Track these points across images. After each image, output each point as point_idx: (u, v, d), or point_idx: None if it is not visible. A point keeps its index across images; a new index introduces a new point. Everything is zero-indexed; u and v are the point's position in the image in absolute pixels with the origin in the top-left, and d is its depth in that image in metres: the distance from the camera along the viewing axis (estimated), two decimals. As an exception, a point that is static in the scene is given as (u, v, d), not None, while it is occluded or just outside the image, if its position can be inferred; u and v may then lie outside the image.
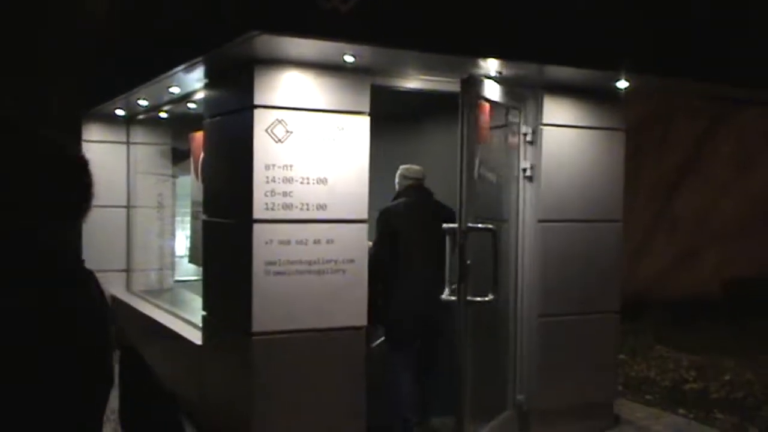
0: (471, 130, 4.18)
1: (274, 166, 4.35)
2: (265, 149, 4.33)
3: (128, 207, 7.70)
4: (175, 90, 5.56)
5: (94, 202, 1.39)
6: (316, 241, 4.47)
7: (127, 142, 7.68)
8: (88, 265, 1.39)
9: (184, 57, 4.54)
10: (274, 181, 4.35)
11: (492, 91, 4.55)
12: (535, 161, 5.09)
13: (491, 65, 4.49)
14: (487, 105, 4.60)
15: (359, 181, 4.55)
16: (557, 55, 4.47)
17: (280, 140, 4.36)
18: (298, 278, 4.42)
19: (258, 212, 4.33)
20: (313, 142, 4.44)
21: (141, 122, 7.52)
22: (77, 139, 7.60)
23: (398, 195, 5.06)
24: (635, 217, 9.11)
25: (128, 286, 7.68)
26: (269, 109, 4.33)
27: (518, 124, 5.11)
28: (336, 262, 4.52)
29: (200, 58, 4.45)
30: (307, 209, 4.44)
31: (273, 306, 4.37)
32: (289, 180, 4.39)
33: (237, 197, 4.49)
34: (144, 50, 5.58)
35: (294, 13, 3.76)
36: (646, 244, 10.80)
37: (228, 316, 4.78)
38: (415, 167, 5.11)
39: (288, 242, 4.40)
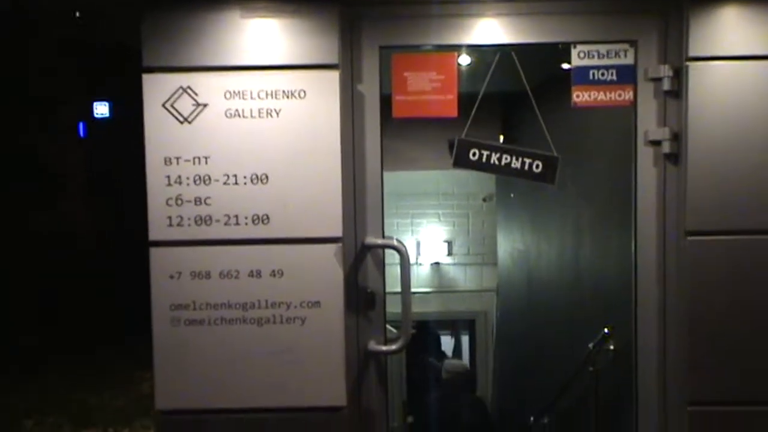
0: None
1: (179, 159, 2.85)
2: (164, 134, 2.84)
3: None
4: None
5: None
6: (254, 273, 2.86)
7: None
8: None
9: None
10: (179, 182, 2.85)
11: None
12: (680, 127, 2.88)
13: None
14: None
15: (326, 177, 2.84)
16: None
17: (186, 119, 2.84)
18: (226, 330, 2.86)
19: (156, 230, 2.86)
20: (243, 119, 2.84)
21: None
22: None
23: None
24: None
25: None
26: (167, 73, 2.84)
27: (632, 68, 2.93)
28: (289, 305, 2.86)
29: None
30: (237, 223, 2.85)
31: (185, 372, 2.87)
32: (204, 179, 2.85)
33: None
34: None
35: None
36: None
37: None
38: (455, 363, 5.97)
39: (206, 275, 2.86)
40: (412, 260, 7.96)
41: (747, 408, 2.84)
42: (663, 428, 2.96)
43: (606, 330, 3.72)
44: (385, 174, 3.01)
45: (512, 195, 6.28)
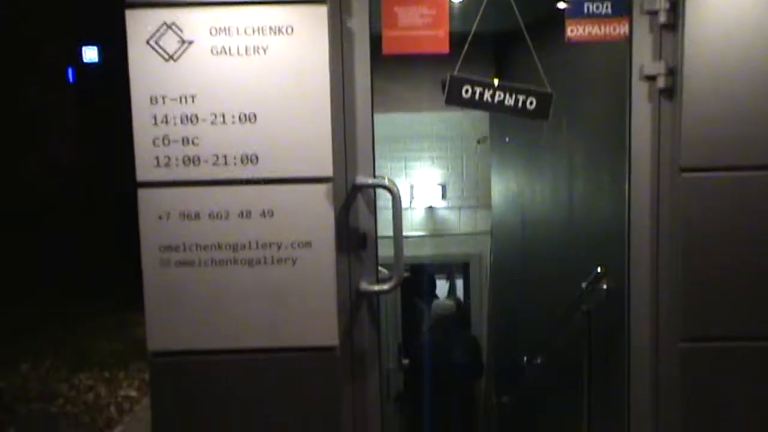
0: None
1: (164, 98, 2.78)
2: (149, 73, 2.77)
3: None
4: None
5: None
6: (244, 214, 2.83)
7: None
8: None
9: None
10: (166, 121, 2.79)
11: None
12: (676, 62, 2.82)
13: None
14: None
15: (315, 115, 2.78)
16: None
17: (171, 57, 2.77)
18: (216, 272, 2.84)
19: (144, 171, 2.82)
20: (229, 57, 2.77)
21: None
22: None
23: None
24: None
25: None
26: (150, 9, 2.76)
27: (627, 0, 2.86)
28: (280, 246, 2.84)
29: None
30: (225, 163, 2.81)
31: (176, 313, 2.86)
32: (191, 119, 2.79)
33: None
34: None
35: None
36: None
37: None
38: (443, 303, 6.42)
39: (196, 216, 2.83)
40: (406, 204, 7.94)
41: (738, 344, 2.85)
42: (655, 365, 2.97)
43: (599, 269, 3.72)
44: (378, 116, 2.95)
45: (506, 139, 6.23)
